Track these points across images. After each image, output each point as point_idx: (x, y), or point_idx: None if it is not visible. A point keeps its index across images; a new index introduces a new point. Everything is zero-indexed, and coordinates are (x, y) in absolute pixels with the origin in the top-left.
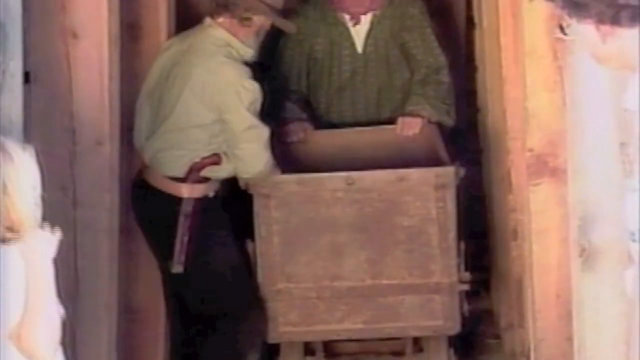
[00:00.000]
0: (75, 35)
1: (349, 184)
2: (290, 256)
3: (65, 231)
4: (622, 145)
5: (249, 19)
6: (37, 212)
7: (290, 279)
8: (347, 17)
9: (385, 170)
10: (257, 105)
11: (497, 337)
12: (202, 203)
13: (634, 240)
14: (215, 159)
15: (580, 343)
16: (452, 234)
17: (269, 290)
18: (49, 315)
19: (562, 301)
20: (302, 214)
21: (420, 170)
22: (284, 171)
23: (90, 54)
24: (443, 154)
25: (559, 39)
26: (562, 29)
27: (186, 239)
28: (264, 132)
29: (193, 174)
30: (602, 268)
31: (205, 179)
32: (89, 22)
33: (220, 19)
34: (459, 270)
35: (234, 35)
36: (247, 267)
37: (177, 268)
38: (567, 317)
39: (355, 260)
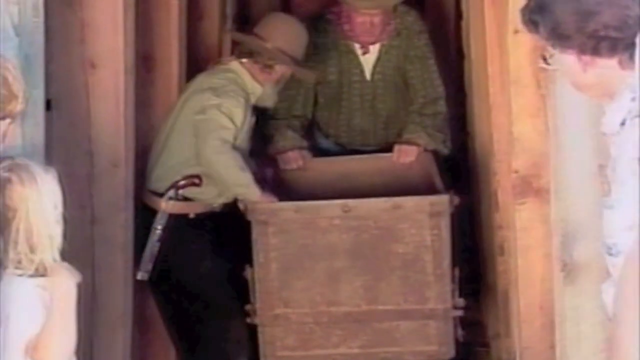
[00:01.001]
0: (93, 66)
1: (345, 211)
2: (287, 282)
3: (83, 246)
4: (600, 167)
5: (271, 66)
6: (58, 230)
7: (288, 304)
8: (357, 45)
9: (381, 198)
10: (235, 118)
11: (486, 345)
12: (178, 220)
13: (610, 254)
14: (194, 180)
15: (562, 351)
16: (447, 261)
17: (266, 315)
18: (67, 333)
19: (546, 312)
20: (300, 241)
21: (415, 199)
22: (283, 198)
23: (108, 83)
24: (438, 181)
25: (542, 69)
26: (545, 59)
27: (155, 250)
28: (225, 134)
29: (171, 191)
30: (583, 282)
31: (187, 199)
32: (106, 54)
33: (245, 60)
34: (453, 296)
35: (252, 75)
36: (227, 282)
37: (142, 276)
38: (550, 327)
39: (351, 286)
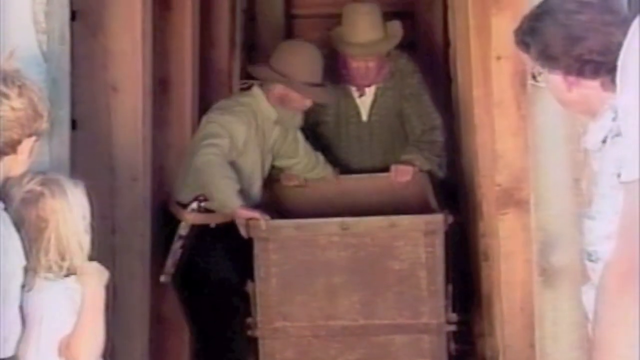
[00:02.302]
0: (114, 89)
1: (343, 229)
2: (287, 296)
3: (105, 254)
4: (575, 181)
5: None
6: (87, 239)
7: (287, 318)
8: (353, 89)
9: (377, 217)
10: (234, 132)
11: (471, 343)
12: (200, 229)
13: (590, 260)
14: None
15: (542, 349)
16: (441, 277)
17: (266, 329)
18: (96, 331)
19: (526, 313)
20: (299, 257)
21: (410, 217)
22: (284, 215)
23: (127, 104)
24: (433, 201)
25: (522, 92)
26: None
27: (178, 256)
28: (217, 140)
29: (194, 204)
30: (560, 285)
31: (208, 210)
32: (127, 78)
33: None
34: (446, 311)
35: (269, 100)
36: (238, 285)
37: (165, 279)
38: (530, 327)
39: (348, 301)
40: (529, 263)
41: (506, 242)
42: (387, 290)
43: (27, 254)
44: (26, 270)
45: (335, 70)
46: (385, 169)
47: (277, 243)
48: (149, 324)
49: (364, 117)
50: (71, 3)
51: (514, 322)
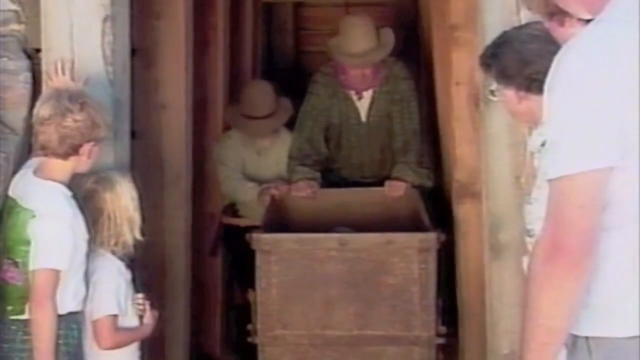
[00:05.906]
0: (164, 107)
1: (342, 244)
2: (286, 306)
3: (156, 234)
4: (516, 178)
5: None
6: (137, 215)
7: (286, 327)
8: (352, 92)
9: (374, 234)
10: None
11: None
12: (231, 227)
13: (529, 236)
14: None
15: (490, 306)
16: (432, 292)
17: (266, 336)
18: None
19: (479, 278)
20: (299, 269)
21: (405, 235)
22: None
23: (174, 119)
24: (424, 216)
25: (476, 110)
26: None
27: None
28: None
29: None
30: (504, 257)
31: (236, 215)
32: (174, 98)
33: None
34: (436, 324)
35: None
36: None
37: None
38: (481, 289)
39: (344, 313)
40: (480, 240)
41: (464, 224)
42: (381, 303)
43: (90, 230)
44: (89, 242)
45: (336, 78)
46: (382, 171)
47: (278, 255)
48: (190, 288)
49: (363, 118)
50: (132, 42)
51: (469, 286)
